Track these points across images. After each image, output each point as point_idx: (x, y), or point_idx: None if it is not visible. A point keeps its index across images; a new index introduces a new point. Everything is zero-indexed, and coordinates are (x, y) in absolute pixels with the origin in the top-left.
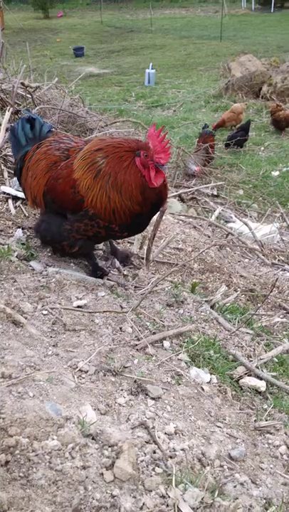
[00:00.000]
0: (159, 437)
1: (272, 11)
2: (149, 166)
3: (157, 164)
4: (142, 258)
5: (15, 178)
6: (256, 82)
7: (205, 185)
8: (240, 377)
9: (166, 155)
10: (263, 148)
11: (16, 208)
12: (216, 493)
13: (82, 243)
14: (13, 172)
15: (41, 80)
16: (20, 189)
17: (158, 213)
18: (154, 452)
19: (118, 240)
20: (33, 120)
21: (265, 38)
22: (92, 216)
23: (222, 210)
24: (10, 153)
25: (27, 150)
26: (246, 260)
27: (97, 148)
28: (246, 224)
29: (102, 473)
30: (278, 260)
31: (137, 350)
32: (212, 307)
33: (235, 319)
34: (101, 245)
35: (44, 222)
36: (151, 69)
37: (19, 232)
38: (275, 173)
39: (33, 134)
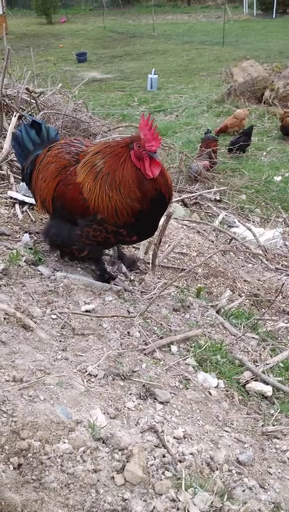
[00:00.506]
0: (168, 441)
1: (274, 16)
2: (143, 157)
3: (150, 152)
4: (148, 263)
5: (22, 183)
6: (258, 88)
7: (208, 190)
8: (247, 381)
9: (156, 142)
10: (265, 153)
11: (22, 212)
12: (225, 497)
13: (92, 248)
14: (20, 177)
15: (45, 85)
16: (27, 194)
17: (164, 218)
18: (164, 456)
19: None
20: (39, 125)
21: (267, 44)
22: (101, 221)
23: (225, 215)
24: (16, 159)
25: (37, 154)
26: (250, 265)
27: (96, 151)
28: (250, 229)
29: (113, 477)
30: (282, 265)
31: (145, 354)
32: (218, 312)
33: (240, 324)
34: (109, 251)
35: (53, 227)
36: (154, 74)
37: (26, 237)
38: (278, 178)
39: (40, 139)
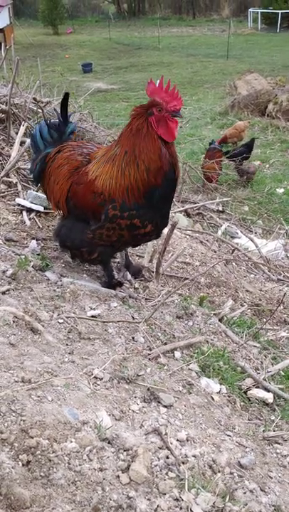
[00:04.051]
0: (171, 443)
1: (278, 31)
2: (166, 119)
3: (174, 112)
4: (152, 271)
5: (29, 191)
6: (262, 101)
7: (211, 201)
8: (249, 388)
9: (178, 100)
10: (268, 165)
11: (30, 219)
12: (227, 498)
13: (102, 249)
14: (27, 185)
15: (51, 94)
16: (35, 202)
17: (168, 227)
18: (167, 457)
19: (130, 251)
20: (55, 125)
21: (271, 58)
22: (112, 218)
23: (228, 225)
24: (23, 166)
25: (47, 152)
26: (252, 275)
27: (108, 147)
28: (252, 240)
29: (118, 476)
30: (283, 276)
31: (150, 359)
32: (220, 320)
33: (242, 332)
34: (117, 258)
35: (64, 227)
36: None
37: (34, 243)
38: (280, 190)
39: (52, 138)
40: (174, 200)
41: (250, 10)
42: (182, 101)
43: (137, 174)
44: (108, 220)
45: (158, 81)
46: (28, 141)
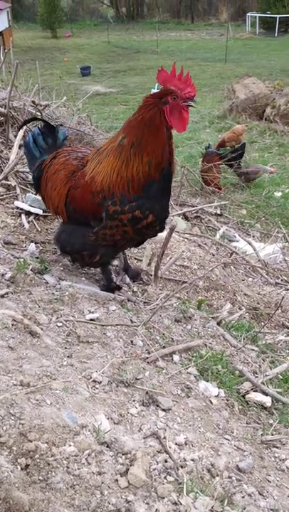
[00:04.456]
0: (170, 447)
1: (276, 35)
2: (180, 109)
3: (189, 99)
4: (151, 275)
5: (28, 194)
6: (260, 105)
7: (209, 205)
8: (247, 392)
9: (192, 87)
10: None
11: (28, 222)
12: (226, 502)
13: (104, 251)
14: (26, 188)
15: (49, 97)
16: (33, 205)
17: (167, 231)
18: (166, 461)
19: (129, 254)
20: (50, 129)
21: (269, 62)
22: (113, 214)
23: (226, 229)
24: (22, 169)
25: (43, 159)
26: (250, 279)
27: (110, 140)
28: (250, 243)
29: (116, 480)
30: (281, 280)
31: (148, 363)
32: (218, 324)
33: (240, 336)
34: (116, 262)
35: (64, 232)
36: (157, 89)
37: (32, 247)
38: (278, 194)
39: (47, 144)
40: (172, 203)
41: (248, 14)
42: (196, 87)
43: (140, 166)
44: (110, 218)
45: (171, 68)
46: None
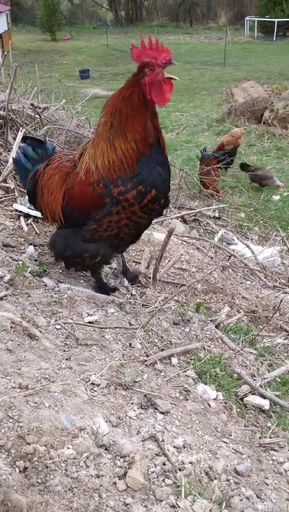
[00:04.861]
0: (168, 450)
1: (274, 39)
2: (161, 81)
3: (166, 64)
4: (149, 277)
5: (26, 197)
6: (258, 108)
7: (207, 208)
8: (245, 395)
9: (167, 52)
10: None
11: (27, 225)
12: (224, 505)
13: (104, 251)
14: (24, 191)
15: (48, 100)
16: (32, 207)
17: (166, 234)
18: (164, 464)
19: (127, 257)
20: (38, 142)
21: (268, 66)
22: (118, 195)
23: (224, 232)
24: None
25: (37, 169)
26: (248, 282)
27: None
28: (248, 247)
29: (115, 482)
30: (279, 283)
31: (147, 365)
32: (216, 327)
33: (239, 339)
34: (114, 265)
35: (60, 238)
36: None
37: (31, 249)
38: (276, 197)
39: (38, 156)
40: (170, 206)
41: (246, 18)
42: (170, 51)
43: (127, 144)
44: (115, 202)
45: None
46: (19, 136)
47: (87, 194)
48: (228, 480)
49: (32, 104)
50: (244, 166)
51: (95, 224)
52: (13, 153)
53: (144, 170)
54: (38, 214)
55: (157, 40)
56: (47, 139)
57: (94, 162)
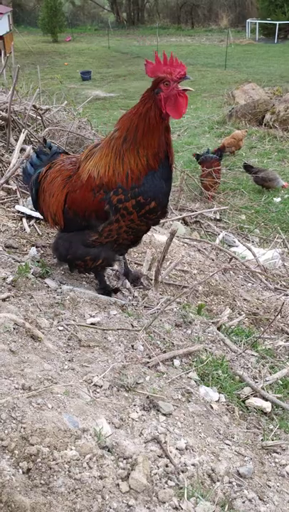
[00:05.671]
0: (171, 452)
1: (275, 41)
2: (176, 95)
3: (181, 79)
4: (151, 279)
5: (29, 198)
6: (259, 110)
7: (208, 210)
8: (247, 397)
9: (181, 67)
10: None
11: (30, 226)
12: (226, 507)
13: (106, 254)
14: (26, 192)
15: (49, 102)
16: (34, 209)
17: (168, 236)
18: (167, 466)
19: (129, 259)
20: (41, 152)
21: (269, 68)
22: (118, 203)
23: (225, 234)
24: None
25: (39, 172)
26: (249, 284)
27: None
28: (249, 249)
29: (118, 484)
30: (280, 285)
31: (149, 367)
32: (218, 329)
33: (240, 341)
34: (116, 267)
35: (63, 241)
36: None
37: (33, 251)
38: (277, 200)
39: (41, 161)
40: (171, 208)
41: (248, 20)
42: (185, 66)
43: (137, 160)
44: (115, 210)
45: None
46: (28, 148)
47: (89, 199)
48: (230, 482)
49: (34, 106)
50: (247, 168)
51: (97, 234)
52: (15, 155)
53: (148, 183)
54: (40, 215)
55: (172, 55)
56: (50, 141)
57: (97, 169)
